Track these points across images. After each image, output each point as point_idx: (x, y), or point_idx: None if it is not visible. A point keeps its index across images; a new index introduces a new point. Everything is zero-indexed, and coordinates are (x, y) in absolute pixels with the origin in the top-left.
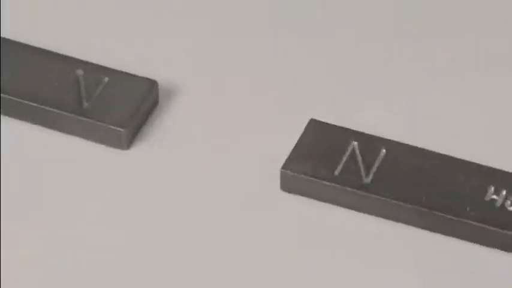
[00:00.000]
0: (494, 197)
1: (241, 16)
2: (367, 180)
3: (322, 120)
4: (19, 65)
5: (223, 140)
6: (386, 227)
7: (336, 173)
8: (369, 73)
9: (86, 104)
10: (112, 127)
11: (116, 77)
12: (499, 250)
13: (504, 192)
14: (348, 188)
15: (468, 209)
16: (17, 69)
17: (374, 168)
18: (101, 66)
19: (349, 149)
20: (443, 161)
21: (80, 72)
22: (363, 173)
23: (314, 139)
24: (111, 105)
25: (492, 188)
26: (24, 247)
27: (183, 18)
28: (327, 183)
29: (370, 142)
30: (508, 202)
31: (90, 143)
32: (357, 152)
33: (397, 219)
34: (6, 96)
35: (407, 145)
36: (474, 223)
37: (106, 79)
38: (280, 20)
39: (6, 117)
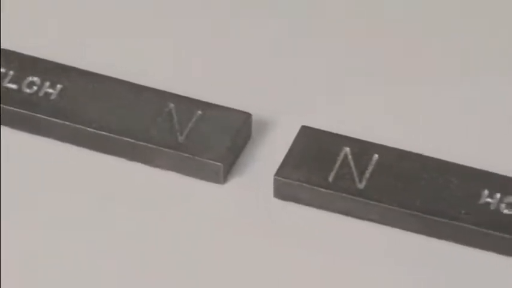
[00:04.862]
0: (489, 200)
1: (240, 16)
2: (361, 185)
3: (314, 126)
4: (108, 98)
5: None
6: (381, 232)
7: (330, 179)
8: (359, 78)
9: (180, 138)
10: (210, 161)
11: (209, 110)
12: (494, 253)
13: (498, 196)
14: (342, 194)
15: (463, 212)
16: (107, 103)
17: (367, 174)
18: (192, 99)
19: (342, 154)
20: (436, 165)
21: (171, 105)
22: (356, 178)
23: (306, 145)
24: (206, 139)
25: (486, 191)
26: None
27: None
28: (321, 189)
29: (362, 147)
30: (503, 205)
31: (185, 178)
32: (350, 157)
33: (391, 224)
34: (99, 132)
35: (399, 150)
36: (469, 226)
37: (199, 112)
38: (277, 20)
39: (100, 153)
